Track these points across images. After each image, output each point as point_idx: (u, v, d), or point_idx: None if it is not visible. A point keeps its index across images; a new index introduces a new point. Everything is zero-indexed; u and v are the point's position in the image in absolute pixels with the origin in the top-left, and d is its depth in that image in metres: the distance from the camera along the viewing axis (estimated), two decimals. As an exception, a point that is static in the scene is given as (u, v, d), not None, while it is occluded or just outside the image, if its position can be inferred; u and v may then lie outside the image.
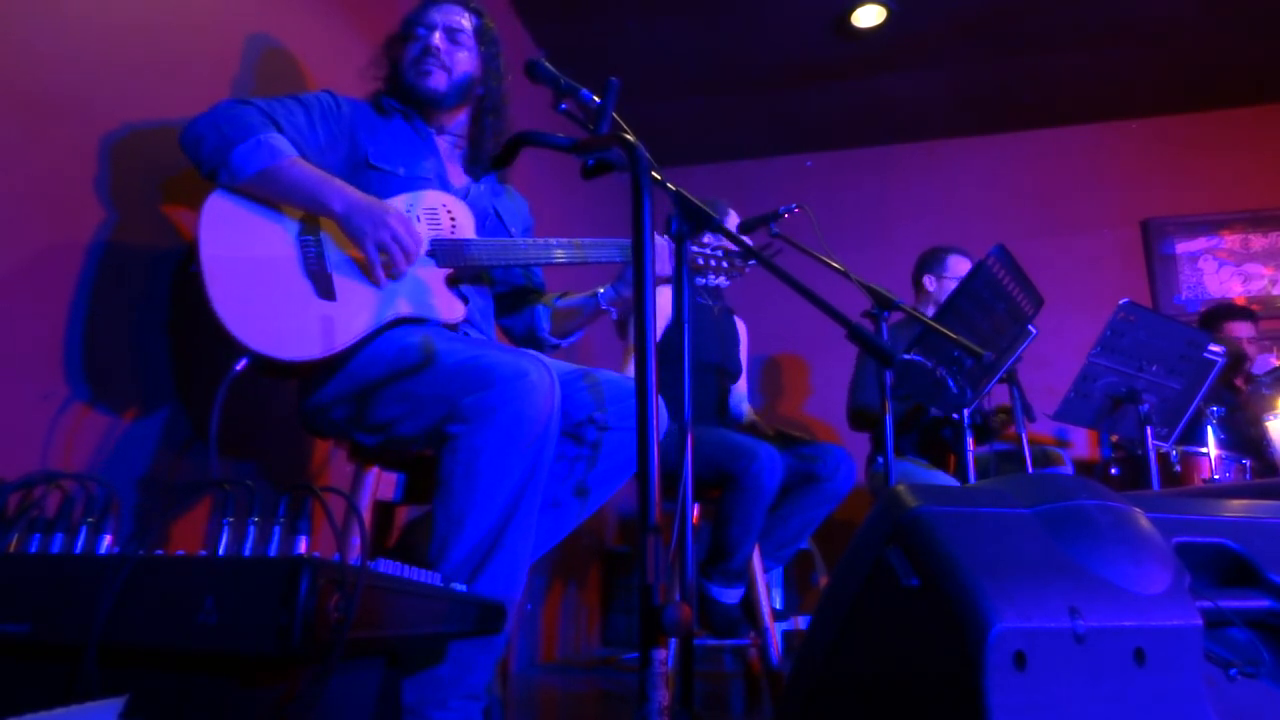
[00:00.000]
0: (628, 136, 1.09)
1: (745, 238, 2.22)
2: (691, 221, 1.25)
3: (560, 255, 1.65)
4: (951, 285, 2.99)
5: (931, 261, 3.10)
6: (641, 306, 0.98)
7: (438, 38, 1.69)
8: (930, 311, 2.98)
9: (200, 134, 1.43)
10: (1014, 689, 0.74)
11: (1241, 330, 3.34)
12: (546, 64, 1.32)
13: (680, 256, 1.24)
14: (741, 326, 2.86)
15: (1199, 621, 0.84)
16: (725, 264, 1.73)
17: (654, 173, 1.15)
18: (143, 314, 1.59)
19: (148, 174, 1.63)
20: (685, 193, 1.24)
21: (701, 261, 1.74)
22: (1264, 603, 0.97)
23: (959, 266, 3.03)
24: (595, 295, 1.77)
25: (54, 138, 1.44)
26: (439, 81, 1.69)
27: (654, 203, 1.04)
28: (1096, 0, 3.39)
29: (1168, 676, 0.81)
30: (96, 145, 1.52)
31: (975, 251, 2.04)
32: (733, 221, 2.60)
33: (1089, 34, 3.61)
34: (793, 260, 1.74)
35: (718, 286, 1.76)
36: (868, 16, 3.47)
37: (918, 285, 3.11)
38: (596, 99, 1.28)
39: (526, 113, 1.80)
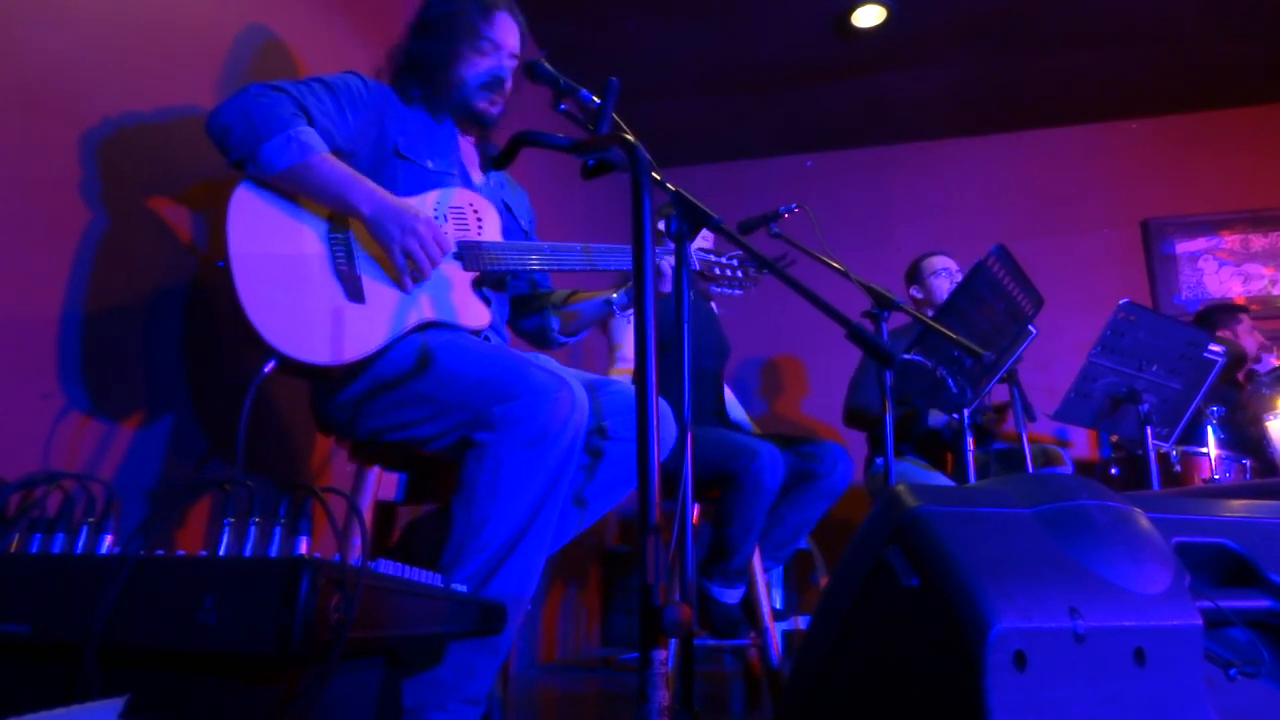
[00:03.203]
0: (628, 137, 1.09)
1: (743, 238, 2.23)
2: (691, 221, 1.24)
3: (576, 263, 1.65)
4: (935, 282, 3.06)
5: (911, 275, 3.20)
6: (642, 308, 0.98)
7: (506, 67, 1.68)
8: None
9: (228, 123, 1.40)
10: (1014, 689, 0.74)
11: (1242, 331, 3.34)
12: (546, 64, 1.32)
13: (680, 257, 1.23)
14: (715, 309, 2.85)
15: (1199, 621, 0.84)
16: (740, 274, 1.73)
17: (654, 173, 1.15)
18: (148, 316, 1.59)
19: (151, 173, 1.63)
20: (685, 193, 1.24)
21: (718, 272, 1.73)
22: (1264, 603, 0.97)
23: (935, 263, 3.12)
24: (609, 302, 1.76)
25: (55, 136, 1.44)
26: (499, 110, 1.71)
27: (653, 203, 1.04)
28: (1097, 1, 3.39)
29: (1168, 676, 0.81)
30: (98, 145, 1.51)
31: (975, 251, 2.04)
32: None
33: (1089, 34, 3.61)
34: (793, 260, 1.74)
35: (731, 296, 1.75)
36: (868, 16, 3.47)
37: (911, 300, 3.16)
38: (596, 99, 1.28)
39: (527, 113, 1.80)
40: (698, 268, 1.80)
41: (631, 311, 1.78)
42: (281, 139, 1.40)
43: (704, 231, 2.55)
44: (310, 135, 1.44)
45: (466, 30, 1.66)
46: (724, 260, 1.74)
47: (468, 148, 1.76)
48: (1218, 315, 3.40)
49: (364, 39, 2.30)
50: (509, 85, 1.70)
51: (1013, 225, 4.23)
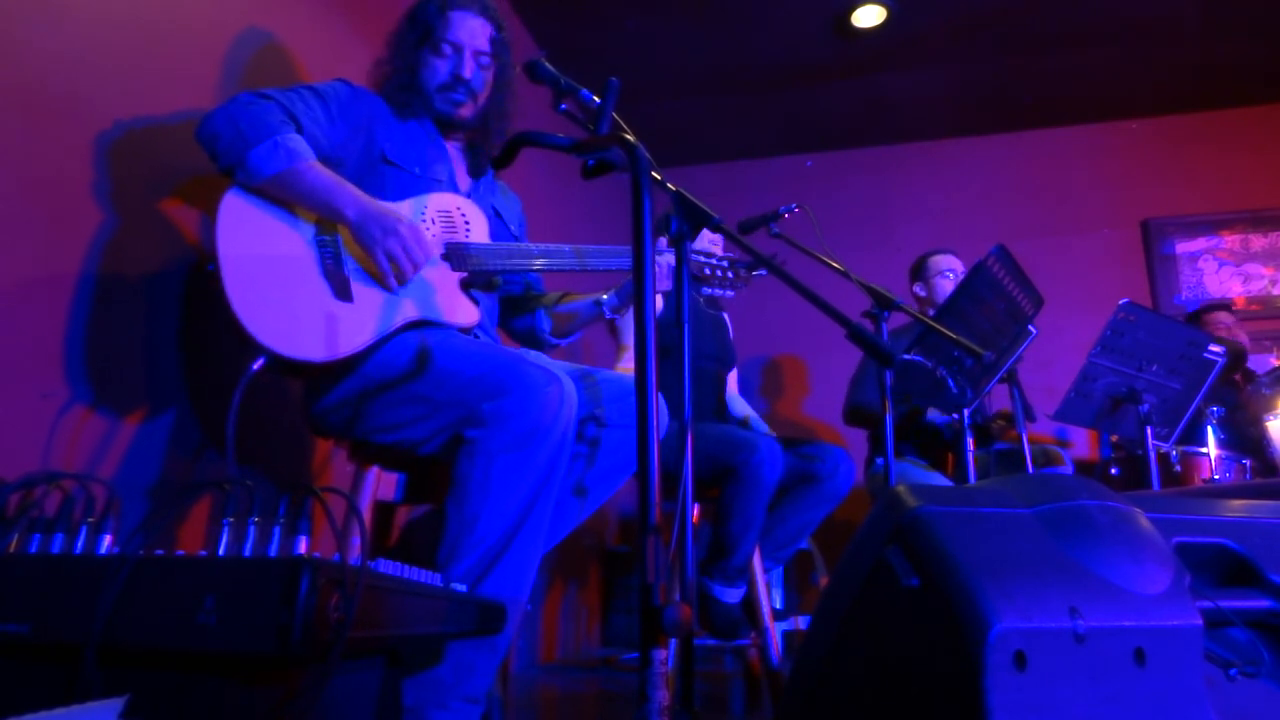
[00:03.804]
0: (628, 136, 1.09)
1: (743, 238, 2.22)
2: (691, 221, 1.24)
3: (567, 264, 1.65)
4: (939, 282, 3.05)
5: (916, 271, 3.18)
6: (641, 307, 0.98)
7: (468, 67, 1.65)
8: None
9: (217, 130, 1.42)
10: (1014, 689, 0.74)
11: (1222, 320, 3.36)
12: (546, 64, 1.32)
13: (680, 257, 1.23)
14: (726, 319, 2.87)
15: (1199, 621, 0.84)
16: (730, 274, 1.73)
17: (654, 173, 1.15)
18: (148, 315, 1.59)
19: (150, 173, 1.63)
20: (685, 193, 1.24)
21: (708, 272, 1.73)
22: (1264, 603, 0.97)
23: (941, 263, 3.10)
24: (599, 303, 1.77)
25: (54, 136, 1.44)
26: (468, 111, 1.69)
27: (654, 202, 1.04)
28: (1097, 1, 3.39)
29: (1168, 676, 0.81)
30: (96, 144, 1.51)
31: (975, 251, 2.04)
32: None
33: (1089, 34, 3.60)
34: (793, 260, 1.74)
35: (723, 297, 1.76)
36: (868, 16, 3.47)
37: (914, 297, 3.15)
38: (596, 99, 1.28)
39: (526, 112, 1.80)
40: None
41: (624, 312, 1.79)
42: (269, 145, 1.41)
43: (714, 236, 2.56)
44: (297, 142, 1.45)
45: (424, 35, 1.66)
46: (714, 260, 1.74)
47: (455, 153, 1.77)
48: (1202, 318, 3.44)
49: (364, 39, 2.29)
50: (477, 84, 1.67)
51: (1013, 225, 4.23)
